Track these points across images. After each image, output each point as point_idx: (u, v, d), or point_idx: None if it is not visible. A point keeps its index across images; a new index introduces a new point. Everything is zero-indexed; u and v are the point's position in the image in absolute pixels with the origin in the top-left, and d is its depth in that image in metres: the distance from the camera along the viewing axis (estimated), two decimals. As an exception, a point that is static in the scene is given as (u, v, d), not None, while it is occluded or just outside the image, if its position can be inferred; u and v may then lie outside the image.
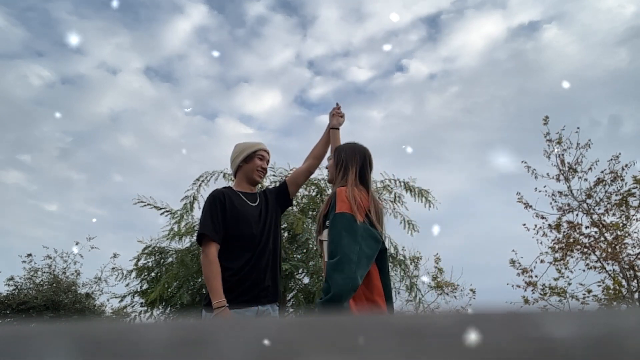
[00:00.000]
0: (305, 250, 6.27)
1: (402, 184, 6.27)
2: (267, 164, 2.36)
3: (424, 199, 6.18)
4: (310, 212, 6.36)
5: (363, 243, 1.65)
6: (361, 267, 1.61)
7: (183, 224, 6.16)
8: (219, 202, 2.11)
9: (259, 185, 2.55)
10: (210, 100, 13.01)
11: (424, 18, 11.95)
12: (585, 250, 7.86)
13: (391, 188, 6.31)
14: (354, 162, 1.90)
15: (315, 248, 5.88)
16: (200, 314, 2.08)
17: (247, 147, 2.31)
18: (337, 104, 2.45)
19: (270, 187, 6.35)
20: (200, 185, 6.35)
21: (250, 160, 2.29)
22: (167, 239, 6.19)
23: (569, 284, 8.00)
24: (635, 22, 10.32)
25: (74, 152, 12.50)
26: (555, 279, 8.06)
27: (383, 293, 1.69)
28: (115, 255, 8.85)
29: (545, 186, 8.44)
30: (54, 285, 9.27)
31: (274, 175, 6.49)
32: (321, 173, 6.25)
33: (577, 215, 8.15)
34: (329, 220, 1.77)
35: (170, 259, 6.42)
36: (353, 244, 1.63)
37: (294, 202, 5.52)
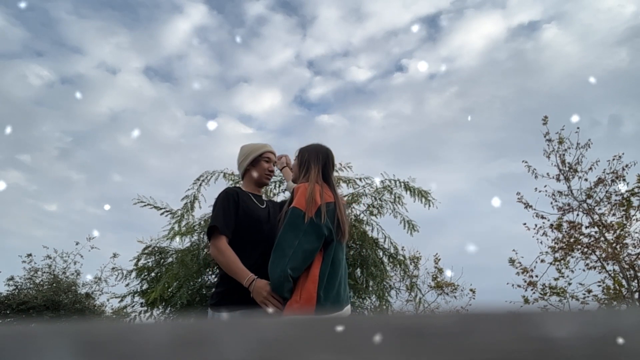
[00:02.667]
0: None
1: (402, 184, 6.26)
2: (274, 166, 2.37)
3: (423, 199, 6.17)
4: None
5: (303, 238, 1.77)
6: (295, 260, 1.74)
7: (183, 223, 6.16)
8: (232, 198, 2.12)
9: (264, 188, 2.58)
10: (209, 100, 12.98)
11: (424, 18, 11.93)
12: (586, 250, 7.86)
13: (391, 188, 6.30)
14: (316, 161, 2.02)
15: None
16: (207, 313, 2.07)
17: (253, 150, 2.30)
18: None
19: (270, 187, 6.40)
20: (200, 185, 6.34)
21: (257, 163, 2.29)
22: (167, 239, 6.19)
23: (569, 283, 8.00)
24: (635, 22, 10.31)
25: (73, 152, 12.47)
26: (556, 279, 8.05)
27: (317, 280, 1.80)
28: (115, 255, 8.85)
29: (545, 186, 8.44)
30: (54, 285, 9.26)
31: (274, 176, 6.48)
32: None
33: (577, 215, 8.16)
34: None
35: (170, 259, 6.41)
36: (293, 239, 1.76)
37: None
